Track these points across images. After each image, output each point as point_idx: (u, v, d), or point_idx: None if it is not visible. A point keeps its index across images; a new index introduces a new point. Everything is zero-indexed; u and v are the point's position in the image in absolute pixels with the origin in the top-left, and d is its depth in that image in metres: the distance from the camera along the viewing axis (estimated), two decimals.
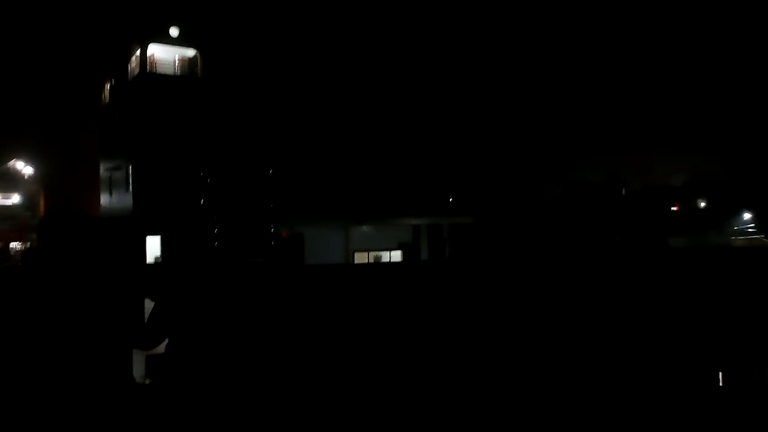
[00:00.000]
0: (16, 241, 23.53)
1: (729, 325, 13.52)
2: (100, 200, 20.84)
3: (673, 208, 23.85)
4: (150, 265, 16.92)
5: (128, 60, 18.68)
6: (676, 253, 18.45)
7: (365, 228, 20.71)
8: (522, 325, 13.94)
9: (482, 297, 15.12)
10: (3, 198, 24.25)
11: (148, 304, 14.53)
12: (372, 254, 21.03)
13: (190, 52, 18.76)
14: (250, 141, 18.73)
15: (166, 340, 13.78)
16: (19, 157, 24.48)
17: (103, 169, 20.60)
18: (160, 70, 18.33)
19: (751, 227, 22.93)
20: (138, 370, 14.27)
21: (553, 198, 22.35)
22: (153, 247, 17.65)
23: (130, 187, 18.11)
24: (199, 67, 18.88)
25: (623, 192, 23.14)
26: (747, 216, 23.45)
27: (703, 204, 24.57)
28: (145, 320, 14.36)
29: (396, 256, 21.37)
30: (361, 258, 20.83)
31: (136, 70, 18.32)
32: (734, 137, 24.90)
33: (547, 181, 22.82)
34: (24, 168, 24.97)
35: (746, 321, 13.72)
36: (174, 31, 18.16)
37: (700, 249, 19.25)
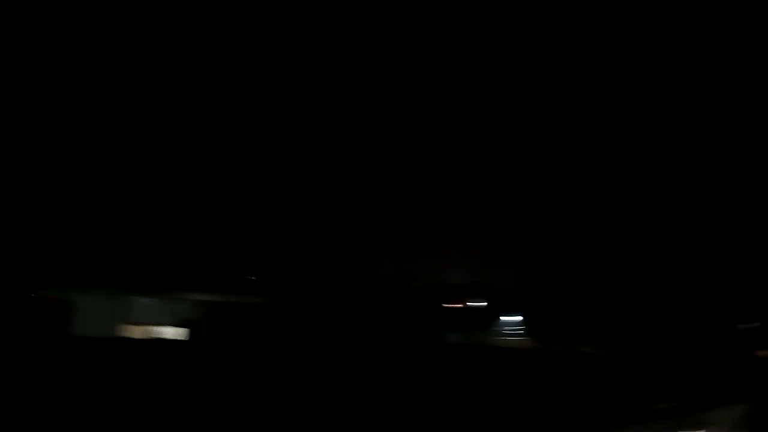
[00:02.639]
0: None
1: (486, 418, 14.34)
2: None
3: (453, 305, 25.62)
4: None
5: None
6: (449, 347, 19.68)
7: (144, 300, 19.17)
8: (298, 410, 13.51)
9: (264, 379, 14.57)
10: None
11: None
12: (149, 329, 19.38)
13: None
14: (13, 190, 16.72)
15: None
16: None
17: None
18: None
19: (520, 329, 25.40)
20: None
21: (346, 286, 22.84)
22: None
23: None
24: None
25: (411, 285, 24.44)
26: (518, 318, 25.94)
27: (481, 304, 26.72)
28: None
29: (178, 332, 19.91)
30: (136, 332, 19.07)
31: None
32: (518, 248, 27.76)
33: (341, 270, 23.35)
34: None
35: (502, 416, 14.68)
36: None
37: (472, 345, 20.78)
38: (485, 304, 26.25)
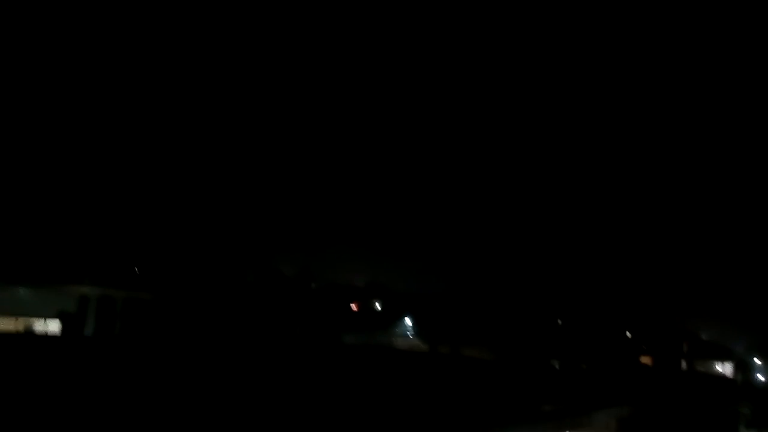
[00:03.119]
0: None
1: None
2: None
3: (352, 306, 25.70)
4: None
5: None
6: (345, 348, 19.74)
7: (19, 289, 17.54)
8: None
9: (147, 375, 13.74)
10: None
11: None
12: (22, 320, 17.75)
13: None
14: None
15: None
16: None
17: None
18: None
19: (411, 331, 25.91)
20: None
21: (245, 283, 22.21)
22: None
23: None
24: None
25: (312, 286, 24.20)
26: (409, 321, 26.46)
27: (378, 306, 26.98)
28: None
29: (53, 325, 18.37)
30: (6, 324, 17.38)
31: None
32: (416, 251, 28.21)
33: (241, 267, 22.67)
34: None
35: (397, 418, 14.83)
36: None
37: (367, 347, 20.91)
38: (382, 305, 26.50)
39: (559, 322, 26.44)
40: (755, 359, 26.16)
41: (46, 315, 18.19)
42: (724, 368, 26.57)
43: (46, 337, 17.94)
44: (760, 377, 25.56)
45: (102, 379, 13.29)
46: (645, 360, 25.00)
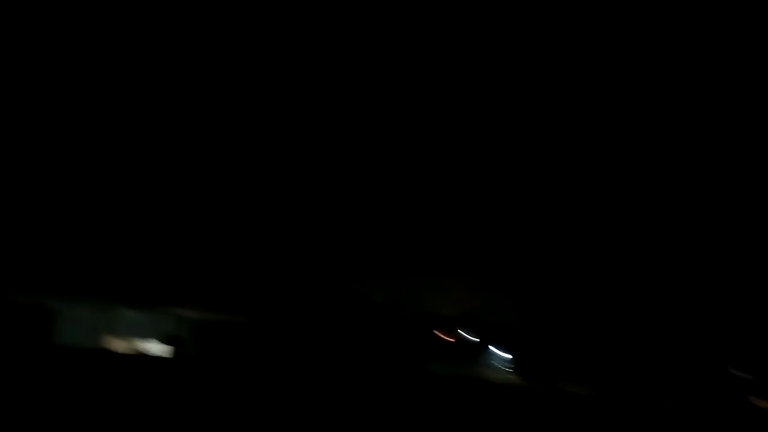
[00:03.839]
0: None
1: None
2: None
3: (443, 336, 25.29)
4: None
5: None
6: (436, 379, 19.34)
7: (129, 312, 18.85)
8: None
9: (246, 400, 14.28)
10: None
11: None
12: (133, 342, 19.05)
13: None
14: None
15: None
16: None
17: None
18: None
19: (505, 363, 25.06)
20: None
21: (336, 309, 22.51)
22: None
23: None
24: None
25: (402, 313, 24.13)
26: (502, 353, 25.63)
27: (469, 336, 26.41)
28: None
29: (160, 347, 19.56)
30: (119, 344, 18.74)
31: None
32: (511, 280, 27.51)
33: (332, 292, 23.03)
34: None
35: None
36: None
37: (458, 378, 20.41)
38: (475, 336, 25.95)
39: (667, 356, 24.67)
40: None
41: (151, 336, 19.42)
42: None
43: (152, 357, 19.16)
44: None
45: (203, 398, 13.99)
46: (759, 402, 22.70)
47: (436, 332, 24.67)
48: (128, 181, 20.01)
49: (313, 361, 19.29)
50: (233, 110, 22.22)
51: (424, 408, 15.37)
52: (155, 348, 19.60)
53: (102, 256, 18.86)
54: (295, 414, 13.99)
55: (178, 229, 20.47)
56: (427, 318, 24.92)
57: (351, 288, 22.99)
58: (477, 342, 25.58)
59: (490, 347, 25.26)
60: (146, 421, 12.44)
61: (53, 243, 17.91)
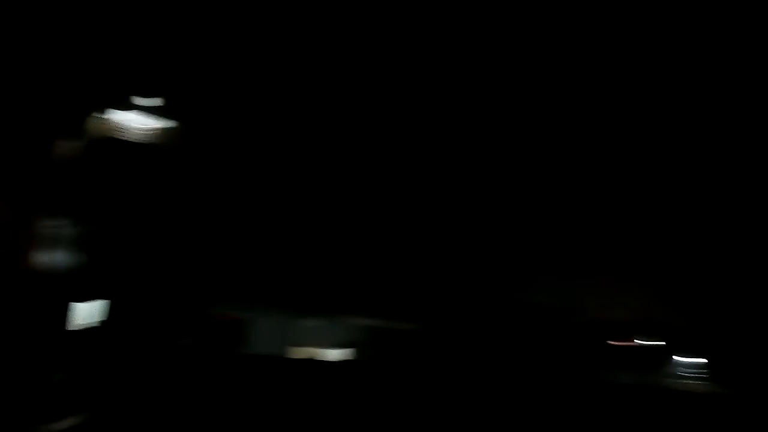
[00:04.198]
0: None
1: None
2: (44, 256, 20.20)
3: (620, 343, 23.77)
4: (73, 331, 16.18)
5: (95, 121, 18.81)
6: (617, 389, 18.23)
7: (310, 321, 20.20)
8: None
9: (425, 410, 14.66)
10: None
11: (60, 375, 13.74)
12: (315, 350, 20.37)
13: (161, 122, 19.01)
14: (199, 215, 18.60)
15: (74, 417, 12.92)
16: None
17: (52, 226, 20.12)
18: (128, 136, 18.49)
19: (692, 370, 22.89)
20: None
21: (506, 316, 22.20)
22: (86, 311, 17.00)
23: (77, 247, 17.69)
24: (171, 138, 19.10)
25: (577, 320, 23.12)
26: (701, 360, 23.43)
27: (654, 342, 24.55)
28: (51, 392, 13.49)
29: (339, 354, 20.72)
30: (301, 352, 20.15)
31: (105, 133, 18.46)
32: (694, 277, 25.21)
33: (501, 299, 22.75)
34: None
35: None
36: (145, 100, 18.55)
37: (638, 388, 19.05)
38: (659, 343, 24.06)
39: None
40: None
41: (329, 345, 20.64)
42: None
43: (331, 364, 20.38)
44: None
45: (380, 404, 14.63)
46: None
47: (612, 340, 23.33)
48: (301, 196, 21.44)
49: (483, 369, 19.23)
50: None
51: (601, 419, 14.68)
52: (334, 354, 20.77)
53: (285, 269, 20.36)
54: (464, 420, 14.10)
55: (352, 241, 21.54)
56: (602, 324, 23.64)
57: (518, 295, 22.57)
58: (659, 348, 23.73)
59: (676, 354, 23.28)
60: (325, 423, 13.31)
61: (242, 258, 19.72)
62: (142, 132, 18.74)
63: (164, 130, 19.09)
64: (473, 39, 23.90)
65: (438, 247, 22.77)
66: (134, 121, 18.64)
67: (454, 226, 23.23)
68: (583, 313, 23.13)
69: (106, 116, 18.23)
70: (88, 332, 16.41)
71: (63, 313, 16.17)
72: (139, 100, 18.51)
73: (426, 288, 22.56)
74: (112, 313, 16.66)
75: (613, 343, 23.34)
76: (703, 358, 23.31)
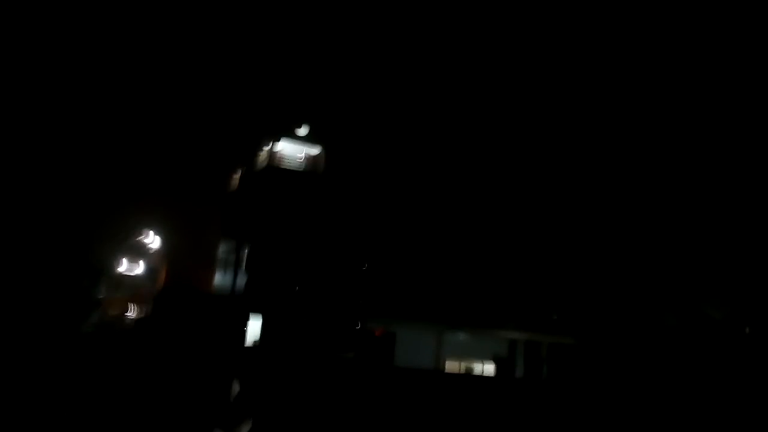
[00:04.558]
0: (133, 309, 25.24)
1: None
2: (214, 278, 22.16)
3: None
4: (246, 346, 17.53)
5: (258, 153, 20.50)
6: None
7: (459, 335, 20.30)
8: None
9: (579, 425, 14.23)
10: (129, 268, 26.33)
11: (237, 385, 14.90)
12: (464, 364, 20.45)
13: (315, 150, 20.32)
14: (351, 235, 19.54)
15: (249, 423, 13.93)
16: (148, 229, 26.74)
17: (221, 250, 22.05)
18: (286, 164, 19.96)
19: None
20: None
21: (666, 328, 20.91)
22: (253, 328, 18.38)
23: (243, 268, 19.26)
24: (320, 164, 20.34)
25: (747, 331, 21.19)
26: None
27: None
28: (231, 402, 14.66)
29: (489, 369, 20.62)
30: (452, 366, 20.29)
31: (265, 163, 20.08)
32: None
33: (660, 309, 21.45)
34: (152, 241, 27.16)
35: None
36: (302, 130, 19.93)
37: None
38: None
39: None
40: None
41: (483, 358, 20.61)
42: None
43: (483, 378, 20.31)
44: None
45: (530, 418, 14.41)
46: None
47: None
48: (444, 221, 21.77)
49: (646, 385, 18.24)
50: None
51: None
52: (485, 368, 20.72)
53: (436, 286, 20.69)
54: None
55: (503, 257, 21.54)
56: None
57: (688, 305, 21.15)
58: None
59: None
60: None
61: (397, 275, 20.30)
62: (301, 160, 20.15)
63: (319, 157, 20.41)
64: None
65: (593, 258, 22.08)
66: (294, 151, 20.10)
67: (613, 235, 22.41)
68: (754, 323, 21.26)
69: (270, 148, 19.81)
70: (260, 347, 17.68)
71: (239, 330, 17.61)
72: (297, 131, 19.96)
73: (581, 300, 21.85)
74: (280, 329, 17.85)
75: None
76: None
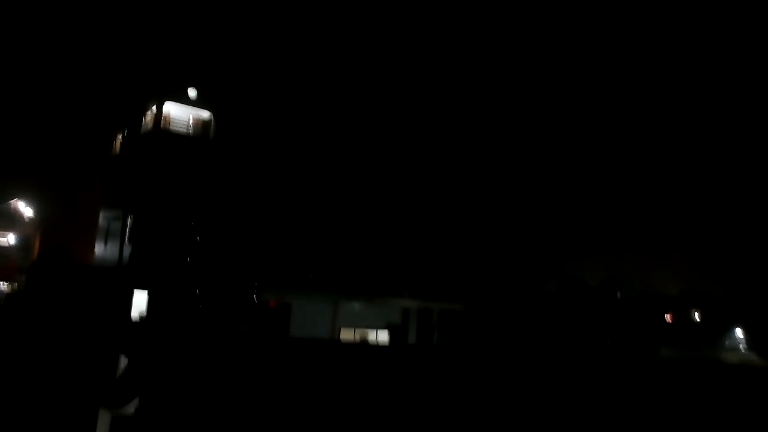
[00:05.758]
0: (3, 281, 23.22)
1: None
2: (94, 249, 20.76)
3: (666, 318, 23.65)
4: (131, 321, 16.65)
5: (143, 115, 19.19)
6: (668, 364, 18.13)
7: (354, 305, 20.48)
8: (505, 420, 13.49)
9: (468, 388, 14.80)
10: None
11: (123, 362, 14.21)
12: (359, 331, 20.69)
13: (205, 114, 19.33)
14: (243, 204, 18.94)
15: (136, 401, 13.38)
16: (19, 197, 24.57)
17: (102, 219, 20.65)
18: (174, 128, 18.84)
19: (743, 344, 22.69)
20: (102, 430, 13.69)
21: (547, 294, 22.25)
22: (139, 302, 17.44)
23: (127, 239, 18.12)
24: (211, 129, 19.40)
25: (618, 295, 23.04)
26: (739, 332, 23.24)
27: (697, 316, 24.38)
28: (117, 378, 13.98)
29: (383, 335, 21.02)
30: (347, 334, 20.47)
31: (150, 126, 18.82)
32: (733, 250, 24.94)
33: (542, 276, 22.78)
34: (24, 209, 24.99)
35: None
36: (191, 92, 18.84)
37: (693, 362, 18.93)
38: (703, 315, 23.87)
39: None
40: None
41: (377, 326, 20.95)
42: None
43: (378, 346, 20.68)
44: None
45: (422, 383, 14.83)
46: None
47: (659, 313, 23.21)
48: (337, 184, 21.64)
49: (529, 347, 19.34)
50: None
51: (652, 394, 14.67)
52: (379, 336, 21.06)
53: (330, 256, 20.61)
54: (515, 396, 14.24)
55: (396, 227, 21.73)
56: (647, 298, 23.51)
57: (560, 271, 22.59)
58: (708, 322, 23.55)
59: (726, 327, 23.09)
60: (371, 403, 13.54)
61: (290, 246, 20.00)
62: (191, 124, 19.09)
63: (210, 122, 19.42)
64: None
65: (480, 228, 22.85)
66: (183, 113, 18.96)
67: (496, 206, 23.27)
68: (627, 287, 23.09)
69: (156, 110, 18.58)
70: (146, 321, 16.86)
71: (123, 304, 16.62)
72: (187, 94, 18.82)
73: (469, 269, 22.65)
74: (168, 302, 17.09)
75: (664, 317, 23.28)
76: (744, 329, 23.14)
